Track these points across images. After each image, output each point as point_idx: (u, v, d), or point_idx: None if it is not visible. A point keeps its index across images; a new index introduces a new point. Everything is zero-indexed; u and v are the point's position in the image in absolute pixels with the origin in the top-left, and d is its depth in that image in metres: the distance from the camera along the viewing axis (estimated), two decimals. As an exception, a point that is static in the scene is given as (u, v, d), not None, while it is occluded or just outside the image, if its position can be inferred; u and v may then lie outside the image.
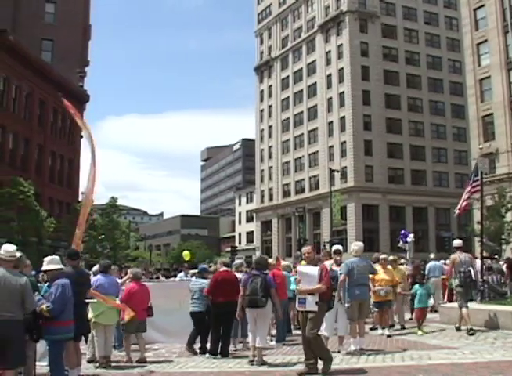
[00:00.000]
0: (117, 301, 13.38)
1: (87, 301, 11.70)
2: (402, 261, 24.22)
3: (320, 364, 11.28)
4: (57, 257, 10.26)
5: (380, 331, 16.19)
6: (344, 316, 13.98)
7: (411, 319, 18.91)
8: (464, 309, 15.88)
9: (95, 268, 14.95)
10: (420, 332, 15.91)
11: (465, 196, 21.44)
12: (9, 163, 48.88)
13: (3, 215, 39.95)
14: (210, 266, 17.88)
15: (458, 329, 16.42)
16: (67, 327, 9.65)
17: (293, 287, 18.58)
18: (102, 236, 62.36)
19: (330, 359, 11.33)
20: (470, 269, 16.28)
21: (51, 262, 9.95)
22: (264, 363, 12.69)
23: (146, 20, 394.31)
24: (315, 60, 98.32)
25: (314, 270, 11.43)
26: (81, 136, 63.42)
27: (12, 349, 8.56)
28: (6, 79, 48.80)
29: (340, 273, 13.69)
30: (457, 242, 17.20)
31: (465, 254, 16.75)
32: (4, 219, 40.04)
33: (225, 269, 14.54)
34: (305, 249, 11.97)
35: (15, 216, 40.86)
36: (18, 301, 8.76)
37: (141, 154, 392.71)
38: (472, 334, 15.44)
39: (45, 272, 10.04)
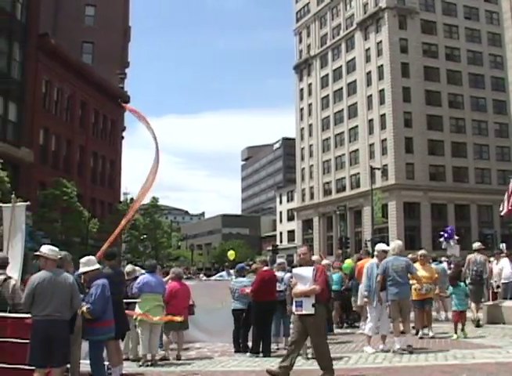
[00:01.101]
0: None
1: (134, 300, 11.81)
2: (443, 259, 24.05)
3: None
4: (93, 257, 10.36)
5: (420, 333, 15.55)
6: (386, 315, 13.96)
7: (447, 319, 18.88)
8: (473, 304, 17.30)
9: (128, 268, 15.13)
10: (455, 335, 15.21)
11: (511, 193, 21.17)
12: (52, 164, 49.45)
13: (47, 216, 40.45)
14: (249, 265, 17.92)
15: (477, 325, 17.10)
16: (109, 327, 9.76)
17: (335, 286, 18.69)
18: (144, 236, 62.93)
19: (332, 372, 10.49)
20: (482, 269, 17.88)
21: (88, 263, 10.04)
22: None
23: (185, 21, 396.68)
24: (354, 58, 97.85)
25: (308, 271, 10.81)
26: (122, 137, 64.20)
27: (58, 349, 8.69)
28: (48, 82, 49.38)
29: (377, 274, 13.67)
30: (476, 245, 19.06)
31: (481, 256, 18.43)
32: (48, 220, 40.54)
33: (267, 268, 14.64)
34: (300, 250, 11.44)
35: (58, 217, 41.34)
36: (66, 301, 8.89)
37: (182, 154, 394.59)
38: (478, 326, 16.79)
39: (84, 273, 10.13)
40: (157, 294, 13.35)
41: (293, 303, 10.86)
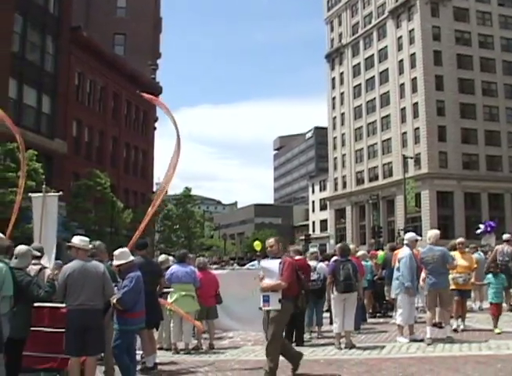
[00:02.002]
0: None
1: (165, 290, 11.87)
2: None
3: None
4: (127, 249, 10.42)
5: (455, 325, 15.03)
6: (414, 306, 13.97)
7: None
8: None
9: (162, 258, 15.21)
10: (497, 330, 14.50)
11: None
12: (85, 155, 49.87)
13: (81, 206, 40.80)
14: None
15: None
16: (139, 318, 9.83)
17: (369, 276, 18.64)
18: (177, 225, 63.25)
19: (276, 366, 9.85)
20: (508, 259, 17.85)
21: (122, 256, 10.10)
22: (353, 346, 12.89)
23: (217, 12, 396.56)
24: (386, 46, 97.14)
25: (275, 265, 10.15)
26: (155, 128, 64.50)
27: (92, 337, 8.79)
28: (81, 74, 49.74)
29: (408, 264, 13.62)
30: (506, 236, 19.00)
31: (508, 247, 18.25)
32: (81, 210, 40.89)
33: (299, 257, 14.63)
34: (268, 242, 10.55)
35: (92, 207, 41.68)
36: (99, 290, 8.98)
37: (214, 144, 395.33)
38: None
39: (117, 266, 10.20)
40: (185, 284, 13.40)
41: (261, 298, 10.22)
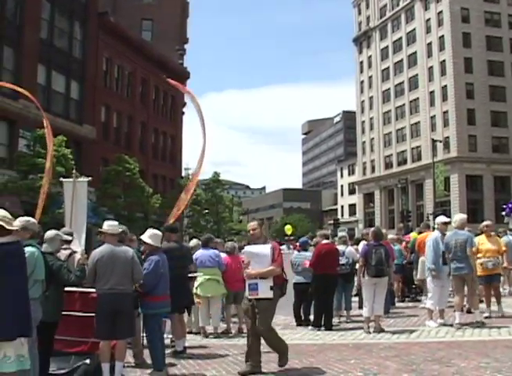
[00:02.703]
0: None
1: (190, 275, 11.92)
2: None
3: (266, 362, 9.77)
4: (160, 233, 10.46)
5: (488, 311, 14.53)
6: (446, 290, 13.89)
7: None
8: None
9: (193, 242, 15.27)
10: None
11: None
12: (114, 141, 50.15)
13: (110, 192, 41.02)
14: (313, 239, 17.91)
15: None
16: (162, 301, 9.84)
17: (399, 260, 18.59)
18: (206, 210, 63.43)
19: (287, 350, 9.72)
20: None
21: (152, 237, 10.14)
22: (382, 330, 12.90)
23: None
24: (414, 29, 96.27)
25: (265, 249, 9.50)
26: (183, 113, 64.61)
27: (122, 321, 8.86)
28: (109, 59, 49.94)
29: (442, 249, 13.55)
30: None
31: None
32: (111, 196, 41.12)
33: (326, 241, 14.63)
34: (250, 225, 9.91)
35: (121, 193, 41.88)
36: (128, 274, 9.04)
37: (243, 129, 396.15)
38: None
39: (145, 243, 10.26)
40: (209, 268, 13.43)
41: (246, 285, 9.61)
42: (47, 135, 14.61)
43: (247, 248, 10.04)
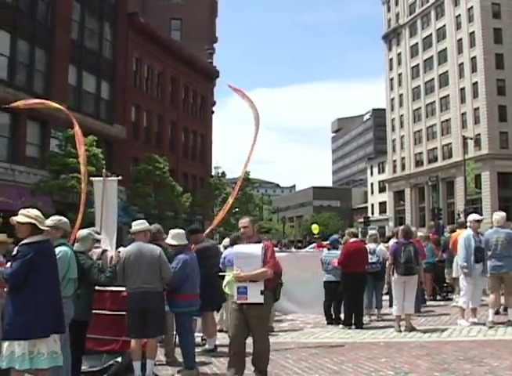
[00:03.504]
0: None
1: (220, 274, 11.95)
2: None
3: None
4: (182, 231, 10.50)
5: None
6: (479, 289, 13.78)
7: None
8: None
9: (225, 242, 15.30)
10: None
11: None
12: (144, 140, 50.43)
13: (140, 191, 41.20)
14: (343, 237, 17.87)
15: None
16: (190, 301, 9.85)
17: (430, 259, 18.46)
18: (236, 209, 63.47)
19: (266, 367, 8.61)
20: None
21: (176, 237, 10.19)
22: (413, 329, 12.85)
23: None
24: (444, 25, 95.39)
25: (256, 249, 8.54)
26: (212, 112, 64.75)
27: (152, 319, 8.92)
28: (138, 59, 50.22)
29: (475, 246, 13.41)
30: None
31: None
32: (141, 195, 41.32)
33: (354, 239, 14.60)
34: (241, 222, 8.92)
35: (151, 191, 42.05)
36: (156, 273, 9.09)
37: (272, 127, 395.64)
38: None
39: (170, 245, 10.32)
40: None
41: (235, 289, 8.62)
42: (77, 142, 14.72)
43: (237, 248, 9.06)
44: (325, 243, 24.51)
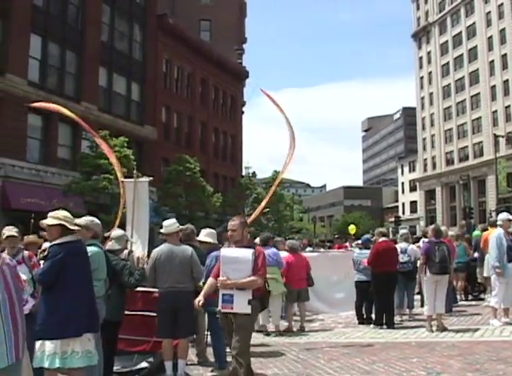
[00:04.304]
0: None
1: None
2: None
3: None
4: (214, 231, 10.55)
5: None
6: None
7: None
8: None
9: (256, 241, 15.33)
10: None
11: None
12: (175, 141, 50.66)
13: (171, 192, 41.36)
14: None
15: None
16: (221, 299, 9.90)
17: (464, 258, 18.30)
18: (267, 209, 63.51)
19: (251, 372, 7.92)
20: None
21: (209, 235, 10.26)
22: (445, 329, 12.78)
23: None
24: (474, 23, 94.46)
25: (246, 254, 7.80)
26: (243, 112, 64.84)
27: (184, 319, 8.96)
28: (168, 61, 50.47)
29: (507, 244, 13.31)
30: None
31: None
32: (172, 195, 41.48)
33: (384, 239, 14.54)
34: (231, 224, 8.06)
35: (182, 192, 42.19)
36: (187, 273, 9.15)
37: (302, 127, 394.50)
38: None
39: (201, 243, 10.36)
40: (269, 267, 13.43)
41: (220, 297, 7.83)
42: (107, 153, 14.83)
43: (224, 252, 8.15)
44: (347, 243, 24.61)
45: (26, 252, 9.01)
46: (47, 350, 6.51)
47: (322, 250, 25.49)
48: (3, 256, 5.39)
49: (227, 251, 8.04)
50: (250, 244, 8.17)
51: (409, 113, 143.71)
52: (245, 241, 8.07)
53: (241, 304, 7.62)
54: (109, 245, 8.95)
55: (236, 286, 7.65)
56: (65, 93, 36.58)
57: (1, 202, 31.53)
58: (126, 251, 10.09)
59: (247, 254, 7.76)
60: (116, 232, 9.43)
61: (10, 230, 8.67)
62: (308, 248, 24.57)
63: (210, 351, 9.94)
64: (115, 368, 8.99)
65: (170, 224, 9.53)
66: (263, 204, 15.99)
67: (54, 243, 6.78)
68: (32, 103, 17.83)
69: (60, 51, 37.64)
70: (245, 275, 7.65)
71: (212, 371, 9.47)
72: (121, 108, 43.23)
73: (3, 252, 7.42)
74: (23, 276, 6.97)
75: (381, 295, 13.97)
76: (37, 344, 6.61)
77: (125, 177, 15.51)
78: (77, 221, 7.41)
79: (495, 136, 68.05)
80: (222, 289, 7.76)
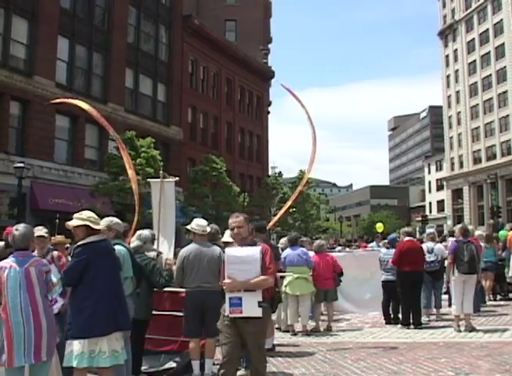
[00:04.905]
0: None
1: (280, 274, 11.98)
2: None
3: None
4: None
5: None
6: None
7: None
8: None
9: (282, 241, 15.35)
10: None
11: None
12: (201, 141, 50.81)
13: (198, 192, 41.45)
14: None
15: None
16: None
17: (490, 258, 18.16)
18: (294, 208, 63.50)
19: None
20: None
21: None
22: (473, 329, 12.72)
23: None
24: (501, 20, 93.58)
25: (253, 253, 7.13)
26: (268, 112, 64.84)
27: (211, 319, 8.96)
28: (194, 61, 50.63)
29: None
30: None
31: None
32: (199, 195, 41.58)
33: (409, 238, 14.48)
34: (235, 221, 7.36)
35: (209, 192, 42.28)
36: (215, 273, 9.15)
37: (328, 127, 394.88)
38: None
39: (225, 243, 10.40)
40: (297, 266, 13.47)
41: (226, 300, 7.14)
42: (127, 164, 14.95)
43: (229, 251, 7.36)
44: (369, 244, 24.53)
45: (55, 252, 9.11)
46: (75, 350, 6.59)
47: (347, 249, 25.42)
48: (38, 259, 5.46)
49: (233, 251, 7.30)
50: (254, 242, 7.57)
51: (435, 111, 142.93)
52: (249, 238, 7.47)
53: (251, 307, 6.99)
54: (135, 243, 9.03)
55: (246, 287, 6.98)
56: (92, 94, 36.85)
57: (30, 203, 31.85)
58: (154, 253, 10.15)
59: (255, 252, 7.13)
60: (145, 232, 9.50)
61: (40, 230, 8.74)
62: (338, 248, 24.58)
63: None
64: (142, 368, 9.05)
65: (204, 224, 9.58)
66: (288, 203, 16.00)
67: (79, 243, 6.86)
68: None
69: (87, 53, 37.96)
70: (253, 275, 6.99)
71: (239, 371, 9.48)
72: (147, 109, 43.46)
73: (33, 252, 7.53)
74: (53, 279, 7.03)
75: (407, 295, 13.91)
76: (67, 343, 6.70)
77: (152, 177, 15.58)
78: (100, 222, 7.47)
79: (524, 134, 67.51)
80: (229, 292, 7.08)
